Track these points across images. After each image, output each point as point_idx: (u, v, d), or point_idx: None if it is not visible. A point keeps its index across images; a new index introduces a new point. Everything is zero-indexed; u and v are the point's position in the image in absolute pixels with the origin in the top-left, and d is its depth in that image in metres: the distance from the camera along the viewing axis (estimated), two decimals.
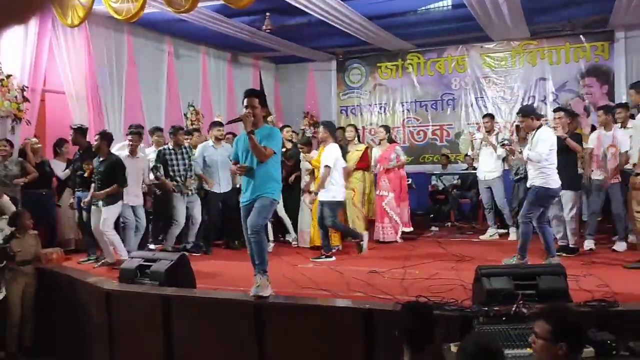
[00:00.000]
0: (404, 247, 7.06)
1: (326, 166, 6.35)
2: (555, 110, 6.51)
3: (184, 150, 6.82)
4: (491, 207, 7.64)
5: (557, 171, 5.32)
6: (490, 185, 7.53)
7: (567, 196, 6.02)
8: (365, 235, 6.57)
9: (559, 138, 5.60)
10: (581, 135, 6.54)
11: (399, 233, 7.57)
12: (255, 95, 4.60)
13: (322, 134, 6.73)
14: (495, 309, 3.53)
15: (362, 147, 7.67)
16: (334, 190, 6.38)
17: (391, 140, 7.83)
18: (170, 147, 6.76)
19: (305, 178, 7.30)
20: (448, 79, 10.66)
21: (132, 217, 6.29)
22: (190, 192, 6.76)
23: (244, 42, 9.33)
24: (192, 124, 8.99)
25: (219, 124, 7.33)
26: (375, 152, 7.77)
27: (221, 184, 7.02)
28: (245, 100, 4.55)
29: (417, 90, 10.89)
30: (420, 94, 10.89)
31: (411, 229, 7.76)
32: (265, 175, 4.51)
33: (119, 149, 6.63)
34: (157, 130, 7.38)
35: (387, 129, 7.87)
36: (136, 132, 6.45)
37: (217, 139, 7.10)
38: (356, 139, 7.71)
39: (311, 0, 7.04)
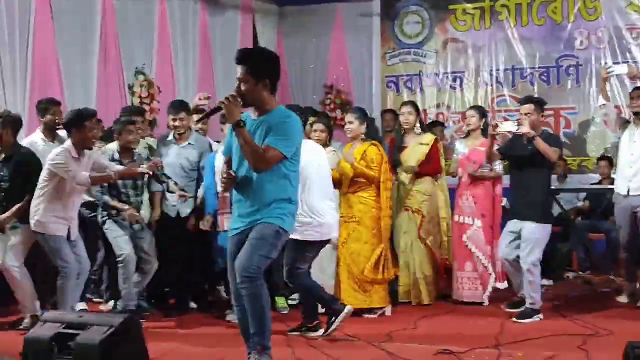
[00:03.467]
0: (496, 313, 7.06)
1: None
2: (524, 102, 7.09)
3: (137, 158, 6.96)
4: (633, 248, 7.54)
5: None
6: (635, 209, 7.43)
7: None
8: (346, 310, 6.18)
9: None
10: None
11: (489, 289, 7.51)
12: (247, 60, 4.62)
13: (353, 125, 6.96)
14: None
15: (429, 138, 7.72)
16: (318, 222, 6.15)
17: (486, 133, 7.75)
18: (117, 153, 6.90)
19: None
20: (568, 31, 10.68)
21: (70, 254, 6.40)
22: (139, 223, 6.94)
23: None
24: (141, 102, 9.12)
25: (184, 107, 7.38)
26: (459, 148, 7.83)
27: (178, 203, 7.19)
28: (238, 70, 4.62)
29: (517, 50, 10.95)
30: (520, 57, 10.94)
31: (505, 284, 7.71)
32: (268, 189, 4.56)
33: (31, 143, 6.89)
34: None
35: (482, 112, 7.89)
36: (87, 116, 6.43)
37: (178, 133, 7.31)
38: (418, 126, 7.78)
39: None
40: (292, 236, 5.80)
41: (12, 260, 6.39)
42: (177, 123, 7.21)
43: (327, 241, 6.31)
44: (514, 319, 6.72)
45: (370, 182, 6.92)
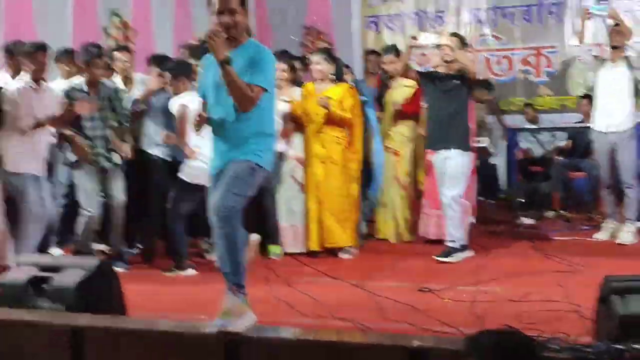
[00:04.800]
0: (474, 251, 7.10)
1: None
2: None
3: (103, 90, 6.78)
4: (613, 185, 7.65)
5: None
6: (614, 146, 7.46)
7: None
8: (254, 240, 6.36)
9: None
10: None
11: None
12: None
13: (321, 66, 7.04)
14: (637, 347, 3.48)
15: (412, 82, 7.74)
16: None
17: None
18: (84, 86, 6.70)
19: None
20: None
21: (36, 197, 6.35)
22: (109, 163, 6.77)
23: None
24: (117, 45, 8.97)
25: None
26: None
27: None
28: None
29: None
30: None
31: (472, 219, 7.76)
32: (246, 125, 4.49)
33: None
34: (65, 54, 7.40)
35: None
36: (38, 48, 6.44)
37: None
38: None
39: None
40: (182, 177, 6.39)
41: None
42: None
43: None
44: (435, 257, 6.74)
45: (345, 125, 7.03)
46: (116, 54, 7.47)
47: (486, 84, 9.70)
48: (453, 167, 6.76)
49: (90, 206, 6.61)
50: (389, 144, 7.72)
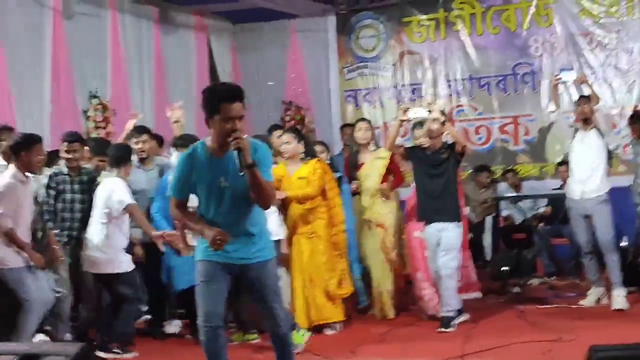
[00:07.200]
0: (461, 323, 7.00)
1: None
2: None
3: (84, 176, 6.79)
4: (593, 251, 7.65)
5: None
6: (589, 213, 7.51)
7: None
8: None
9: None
10: None
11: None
12: (242, 95, 4.50)
13: (291, 145, 7.03)
14: None
15: (384, 152, 7.66)
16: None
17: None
18: (64, 170, 6.71)
19: None
20: (523, 39, 10.80)
21: (35, 285, 6.19)
22: None
23: None
24: (96, 126, 9.05)
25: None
26: None
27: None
28: (232, 107, 4.39)
29: (473, 59, 11.04)
30: (477, 66, 11.04)
31: (479, 294, 7.94)
32: (260, 219, 4.69)
33: None
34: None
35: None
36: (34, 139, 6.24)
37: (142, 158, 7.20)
38: (373, 142, 7.88)
39: None
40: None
41: None
42: (139, 145, 7.10)
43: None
44: (438, 330, 6.70)
45: (310, 199, 7.00)
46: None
47: (487, 169, 10.15)
48: (451, 238, 6.82)
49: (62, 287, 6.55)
50: (370, 218, 7.61)
